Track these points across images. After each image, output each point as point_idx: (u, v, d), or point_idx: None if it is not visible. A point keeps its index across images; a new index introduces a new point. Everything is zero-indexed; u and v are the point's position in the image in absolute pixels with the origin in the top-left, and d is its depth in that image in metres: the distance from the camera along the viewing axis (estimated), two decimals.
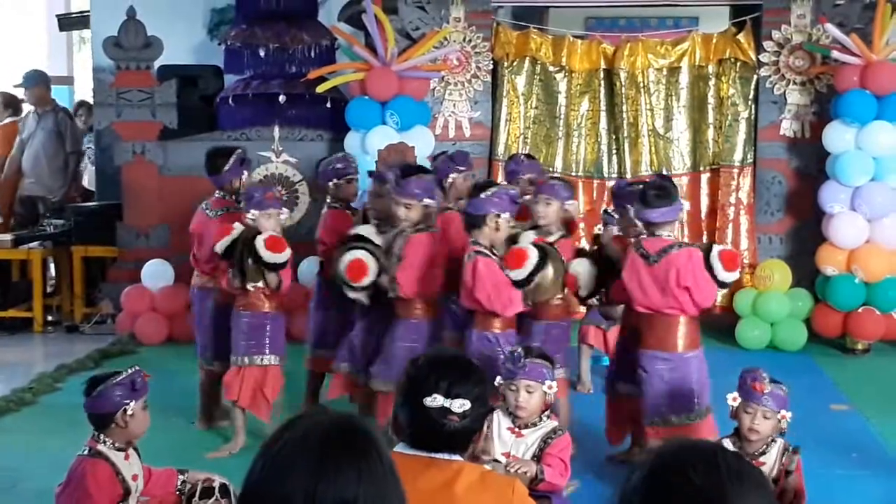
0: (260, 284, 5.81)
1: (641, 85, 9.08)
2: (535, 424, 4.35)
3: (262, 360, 5.87)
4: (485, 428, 2.92)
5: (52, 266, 10.02)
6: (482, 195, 5.17)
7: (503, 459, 4.26)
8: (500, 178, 7.71)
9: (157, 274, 8.67)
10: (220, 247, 5.78)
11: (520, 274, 5.09)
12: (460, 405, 2.73)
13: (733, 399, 4.27)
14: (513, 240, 5.34)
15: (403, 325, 5.54)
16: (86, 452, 3.94)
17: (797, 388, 5.31)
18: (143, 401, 3.99)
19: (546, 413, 4.40)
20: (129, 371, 4.01)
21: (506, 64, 9.16)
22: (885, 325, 8.31)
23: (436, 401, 2.72)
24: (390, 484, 1.81)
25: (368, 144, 8.29)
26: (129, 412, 3.92)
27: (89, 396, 3.96)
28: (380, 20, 8.48)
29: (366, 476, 1.77)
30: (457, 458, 2.74)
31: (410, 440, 2.75)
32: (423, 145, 8.32)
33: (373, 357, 5.72)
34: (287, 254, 5.75)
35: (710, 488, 1.68)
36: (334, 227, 6.16)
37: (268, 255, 5.68)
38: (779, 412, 4.23)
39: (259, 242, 5.67)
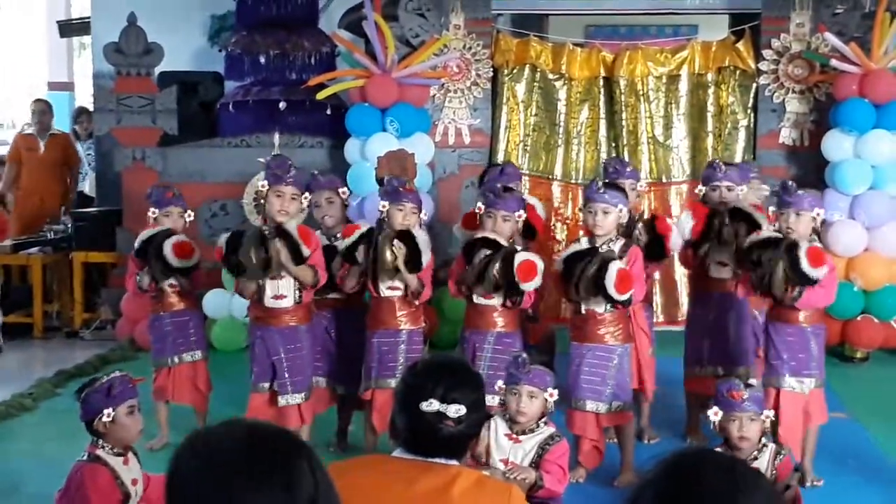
0: (173, 282, 5.98)
1: (641, 93, 9.10)
2: (532, 431, 4.36)
3: (192, 356, 6.11)
4: (483, 434, 2.91)
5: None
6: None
7: (501, 466, 4.27)
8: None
9: None
10: (136, 243, 5.97)
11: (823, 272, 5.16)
12: (456, 410, 2.73)
13: (714, 413, 4.30)
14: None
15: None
16: (85, 458, 3.95)
17: None
18: (126, 406, 3.96)
19: (543, 419, 4.41)
20: (110, 376, 4.00)
21: (505, 71, 9.18)
22: (884, 334, 8.31)
23: (431, 406, 2.73)
24: (324, 487, 1.82)
25: (368, 151, 8.30)
26: (107, 418, 3.90)
27: (78, 403, 3.98)
28: (380, 27, 8.50)
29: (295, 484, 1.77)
30: (454, 463, 2.75)
31: (407, 445, 2.76)
32: (422, 152, 8.33)
33: None
34: (195, 259, 5.95)
35: (721, 493, 1.72)
36: None
37: (175, 261, 5.86)
38: (761, 413, 4.27)
39: (167, 248, 5.81)
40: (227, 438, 1.80)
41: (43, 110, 11.04)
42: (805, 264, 5.02)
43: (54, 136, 11.00)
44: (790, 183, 5.32)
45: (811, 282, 5.09)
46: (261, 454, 1.76)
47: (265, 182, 5.37)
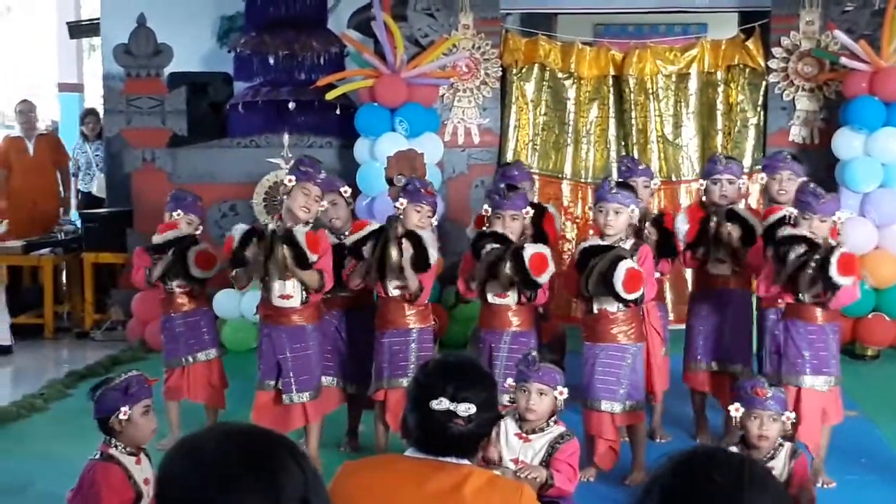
0: (181, 282, 6.04)
1: (650, 91, 9.08)
2: (542, 430, 4.36)
3: (206, 355, 6.17)
4: (493, 434, 2.91)
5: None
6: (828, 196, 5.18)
7: (512, 465, 4.27)
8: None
9: None
10: (157, 239, 6.00)
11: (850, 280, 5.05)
12: (465, 409, 2.73)
13: (735, 409, 4.27)
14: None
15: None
16: (98, 456, 3.96)
17: None
18: (141, 406, 3.96)
19: (553, 418, 4.41)
20: (127, 375, 4.02)
21: (514, 71, 9.17)
22: (895, 332, 8.30)
23: (441, 404, 2.73)
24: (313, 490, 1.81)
25: (377, 151, 8.31)
26: (123, 417, 3.91)
27: (92, 401, 3.99)
28: (389, 27, 8.51)
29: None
30: (465, 462, 2.75)
31: (419, 444, 2.76)
32: (432, 152, 8.34)
33: None
34: (216, 270, 6.02)
35: (728, 490, 1.72)
36: None
37: (196, 272, 5.95)
38: (783, 414, 4.24)
39: (191, 257, 5.90)
40: (216, 441, 1.80)
41: (29, 110, 10.99)
42: (834, 271, 4.93)
43: (42, 136, 10.96)
44: (819, 189, 5.27)
45: (835, 287, 5.02)
46: (249, 456, 1.76)
47: (293, 177, 5.40)
